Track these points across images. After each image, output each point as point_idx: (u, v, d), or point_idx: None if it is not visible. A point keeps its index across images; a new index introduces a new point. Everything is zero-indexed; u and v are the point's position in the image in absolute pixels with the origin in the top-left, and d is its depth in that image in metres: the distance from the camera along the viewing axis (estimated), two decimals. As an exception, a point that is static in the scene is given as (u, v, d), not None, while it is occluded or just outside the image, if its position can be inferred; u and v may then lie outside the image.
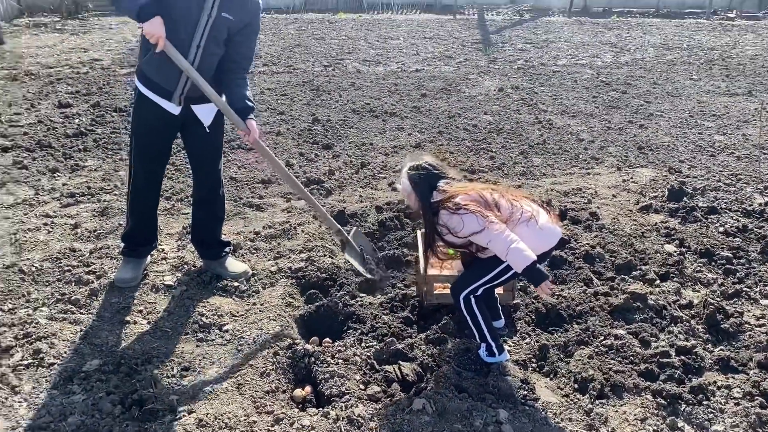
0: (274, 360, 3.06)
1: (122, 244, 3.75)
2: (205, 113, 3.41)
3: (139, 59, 3.36)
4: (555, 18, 17.80)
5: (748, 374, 3.05)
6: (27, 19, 14.63)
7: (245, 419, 2.66)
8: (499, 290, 3.42)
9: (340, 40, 12.90)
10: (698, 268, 4.07)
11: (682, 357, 3.12)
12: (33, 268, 3.79)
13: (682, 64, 11.32)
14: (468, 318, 3.01)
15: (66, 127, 6.61)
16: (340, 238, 3.70)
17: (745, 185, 5.51)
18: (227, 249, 3.85)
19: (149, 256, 3.86)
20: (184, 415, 2.67)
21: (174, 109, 3.34)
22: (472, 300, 2.99)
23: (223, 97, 3.34)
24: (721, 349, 3.22)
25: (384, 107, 7.86)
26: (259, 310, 3.48)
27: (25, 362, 2.98)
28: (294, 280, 3.79)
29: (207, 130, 3.46)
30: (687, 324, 3.41)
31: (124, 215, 4.00)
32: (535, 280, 2.78)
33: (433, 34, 14.09)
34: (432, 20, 16.42)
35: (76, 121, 6.88)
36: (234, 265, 3.82)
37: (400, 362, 3.05)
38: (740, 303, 3.69)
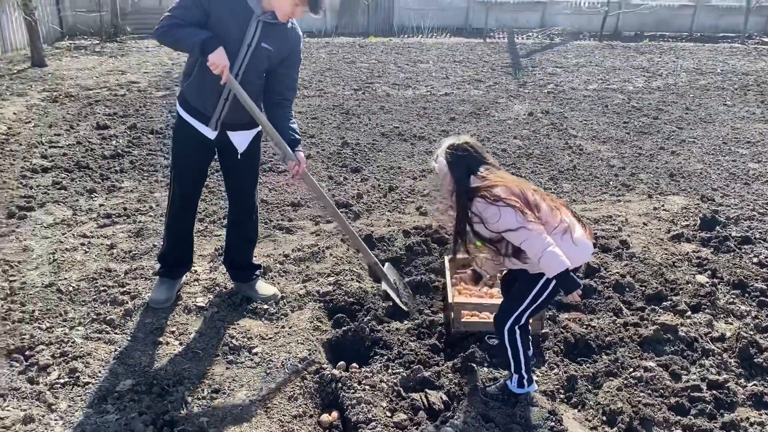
0: (302, 384, 3.10)
1: (158, 265, 3.84)
2: (239, 140, 3.51)
3: (181, 84, 3.47)
4: (586, 42, 17.77)
5: (782, 411, 2.99)
6: (68, 42, 15.12)
7: (273, 443, 2.70)
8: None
9: (370, 64, 13.06)
10: (731, 300, 4.01)
11: (714, 391, 3.07)
12: (70, 288, 3.90)
13: (715, 90, 11.20)
14: (509, 349, 2.94)
15: (103, 149, 6.81)
16: (378, 272, 3.76)
17: (780, 215, 5.42)
18: (258, 272, 3.92)
19: (183, 277, 3.95)
20: (213, 438, 2.72)
21: (210, 133, 3.44)
22: (517, 332, 2.93)
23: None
24: (755, 384, 3.17)
25: (413, 131, 7.93)
26: (288, 334, 3.52)
27: (62, 381, 3.06)
28: (322, 304, 3.83)
29: (239, 156, 3.55)
30: (719, 357, 3.36)
31: (161, 236, 4.11)
32: (567, 288, 2.73)
33: (462, 57, 14.18)
34: (462, 44, 16.53)
35: (113, 142, 7.07)
36: (264, 287, 3.89)
37: (427, 390, 3.06)
38: (775, 336, 3.62)
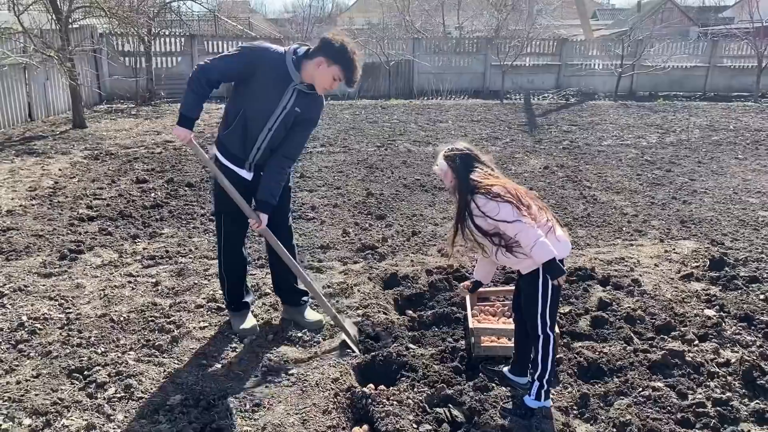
0: (335, 400, 3.38)
1: (229, 304, 4.20)
2: None
3: (219, 132, 3.93)
4: (601, 102, 18.33)
5: (783, 426, 3.19)
6: (106, 106, 16.02)
7: (310, 448, 2.97)
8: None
9: (392, 124, 13.64)
10: (737, 331, 4.23)
11: (718, 408, 3.29)
12: (121, 318, 4.25)
13: (727, 145, 11.54)
14: (540, 353, 3.22)
15: (144, 200, 7.29)
16: (337, 321, 4.03)
17: (787, 257, 5.65)
18: (305, 298, 4.29)
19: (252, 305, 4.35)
20: (256, 443, 3.00)
21: (247, 175, 3.89)
22: (551, 336, 3.22)
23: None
24: (757, 403, 3.37)
25: (434, 182, 8.33)
26: (321, 358, 3.82)
27: (118, 395, 3.38)
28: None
29: None
30: (724, 379, 3.58)
31: (217, 285, 4.52)
32: (553, 274, 3.09)
33: (480, 117, 14.74)
34: (479, 105, 17.16)
35: (152, 194, 7.56)
36: (311, 314, 4.27)
37: (450, 405, 3.32)
38: (779, 363, 3.83)
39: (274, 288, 4.38)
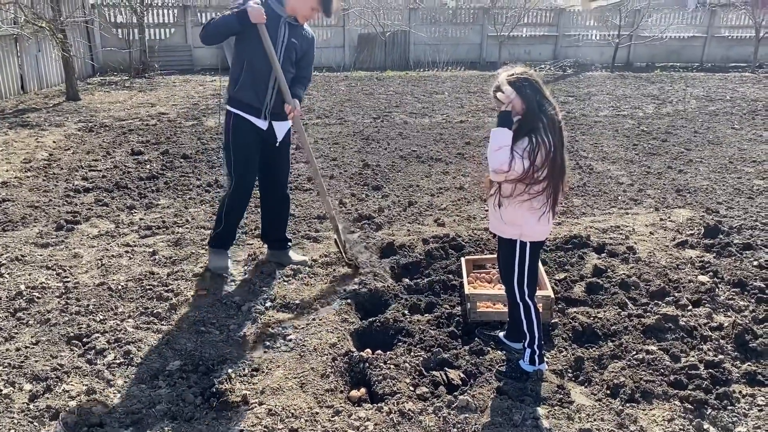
0: (333, 365, 3.42)
1: (214, 242, 4.53)
2: (280, 129, 4.28)
3: (229, 91, 4.20)
4: (598, 73, 18.23)
5: (774, 387, 3.24)
6: (99, 78, 15.86)
7: (309, 411, 3.01)
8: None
9: (387, 95, 13.56)
10: (731, 297, 4.27)
11: (710, 370, 3.34)
12: (119, 287, 4.27)
13: (724, 115, 11.51)
14: (524, 322, 3.26)
15: (139, 171, 7.26)
16: (333, 224, 4.54)
17: (781, 224, 5.68)
18: (289, 243, 4.72)
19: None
20: (255, 406, 3.04)
21: (263, 124, 4.23)
22: (531, 304, 3.25)
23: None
24: (749, 365, 3.42)
25: (430, 154, 8.32)
26: (318, 324, 3.85)
27: (117, 361, 3.41)
28: (348, 300, 4.16)
29: (277, 144, 4.29)
30: (716, 343, 3.63)
31: (213, 221, 4.86)
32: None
33: (477, 88, 14.65)
34: (476, 76, 17.04)
35: (148, 166, 7.53)
36: (295, 255, 4.70)
37: (446, 369, 3.36)
38: (771, 327, 3.88)
39: (263, 239, 4.78)
